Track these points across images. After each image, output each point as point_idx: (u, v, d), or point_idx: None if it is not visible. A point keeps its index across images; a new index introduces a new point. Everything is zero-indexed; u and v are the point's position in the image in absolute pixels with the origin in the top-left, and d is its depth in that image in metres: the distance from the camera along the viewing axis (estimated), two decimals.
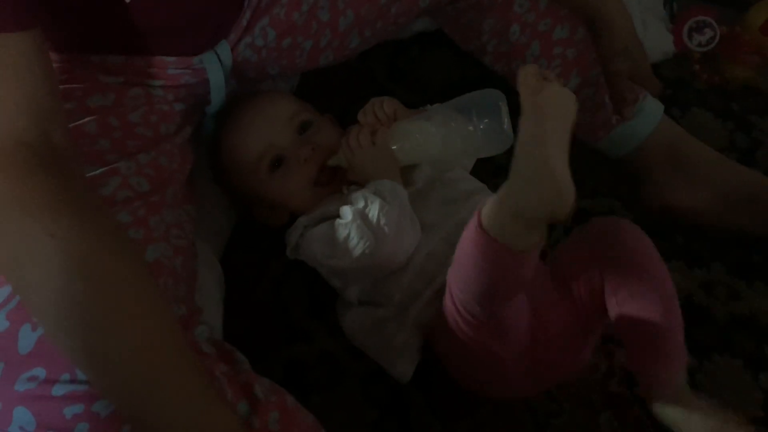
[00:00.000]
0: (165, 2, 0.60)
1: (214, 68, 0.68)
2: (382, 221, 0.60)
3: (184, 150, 0.66)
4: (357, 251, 0.60)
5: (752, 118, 0.95)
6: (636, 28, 0.92)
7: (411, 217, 0.63)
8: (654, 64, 0.97)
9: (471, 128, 0.64)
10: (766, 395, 0.70)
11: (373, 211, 0.60)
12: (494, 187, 0.66)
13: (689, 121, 0.94)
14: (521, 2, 0.79)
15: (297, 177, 0.69)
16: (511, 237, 0.47)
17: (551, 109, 0.47)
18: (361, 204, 0.62)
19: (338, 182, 0.69)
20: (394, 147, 0.66)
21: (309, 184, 0.69)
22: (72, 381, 0.44)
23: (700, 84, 0.98)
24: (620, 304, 0.56)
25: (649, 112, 0.79)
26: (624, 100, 0.76)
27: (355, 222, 0.60)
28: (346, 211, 0.62)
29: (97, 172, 0.54)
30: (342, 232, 0.61)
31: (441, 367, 0.66)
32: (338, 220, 0.62)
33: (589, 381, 0.68)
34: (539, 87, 0.47)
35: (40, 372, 0.44)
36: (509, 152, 0.50)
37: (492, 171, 0.77)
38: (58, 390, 0.44)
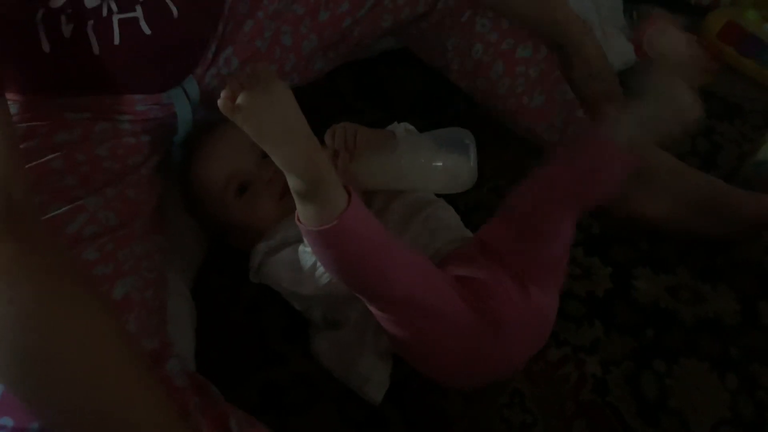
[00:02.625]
0: (132, 46, 0.60)
1: (181, 103, 0.69)
2: None
3: (151, 180, 0.66)
4: (322, 280, 0.61)
5: (712, 122, 0.97)
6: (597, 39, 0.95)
7: None
8: (619, 74, 1.01)
9: (439, 164, 0.66)
10: (733, 396, 0.72)
11: None
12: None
13: None
14: (483, 22, 0.80)
15: (263, 199, 0.69)
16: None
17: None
18: None
19: None
20: (358, 174, 0.67)
21: (275, 203, 0.69)
22: (41, 430, 0.44)
23: None
24: None
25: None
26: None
27: None
28: None
29: (64, 209, 0.54)
30: (307, 260, 0.62)
31: (416, 384, 0.67)
32: (302, 248, 0.63)
33: (562, 390, 0.70)
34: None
35: (7, 421, 0.44)
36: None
37: None
38: None
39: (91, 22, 0.57)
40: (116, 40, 0.58)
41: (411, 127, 0.76)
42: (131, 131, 0.65)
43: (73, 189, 0.56)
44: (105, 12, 0.57)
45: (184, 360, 0.58)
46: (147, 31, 0.59)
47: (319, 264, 0.61)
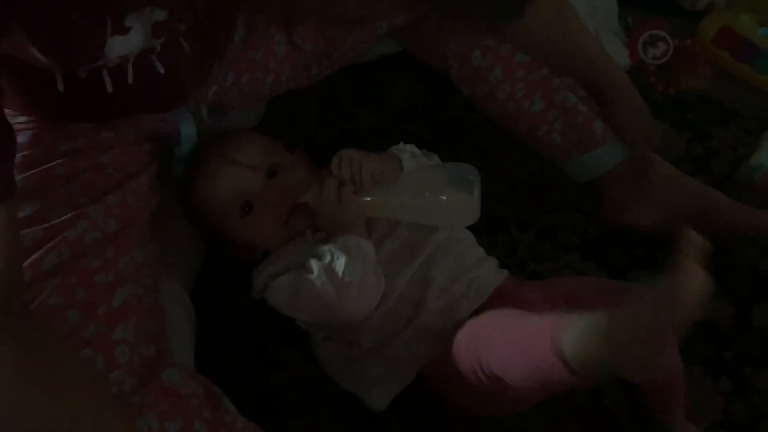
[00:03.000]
0: (145, 84, 0.60)
1: (185, 119, 0.69)
2: (347, 278, 0.61)
3: (151, 188, 0.67)
4: (319, 308, 0.62)
5: (707, 127, 0.98)
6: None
7: (375, 270, 0.64)
8: None
9: (443, 199, 0.66)
10: (726, 399, 0.72)
11: (339, 268, 0.61)
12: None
13: None
14: None
15: (267, 220, 0.69)
16: (588, 369, 0.46)
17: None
18: (327, 259, 0.63)
19: (309, 218, 0.70)
20: (364, 202, 0.67)
21: (279, 225, 0.69)
22: None
23: (657, 96, 1.01)
24: None
25: (613, 150, 0.80)
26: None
27: (320, 278, 0.61)
28: (312, 266, 0.63)
29: (66, 217, 0.55)
30: (307, 287, 0.62)
31: (413, 387, 0.68)
32: (305, 275, 0.63)
33: (556, 395, 0.70)
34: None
35: None
36: None
37: None
38: None
39: (106, 69, 0.57)
40: (130, 80, 0.58)
41: (417, 150, 0.75)
42: (134, 140, 0.66)
43: (76, 196, 0.57)
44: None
45: (182, 367, 0.59)
46: (161, 70, 0.59)
47: (317, 292, 0.61)
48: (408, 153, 0.73)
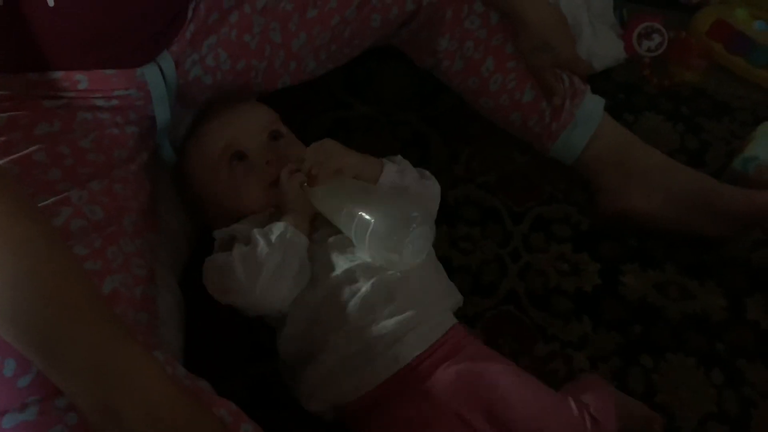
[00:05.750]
0: (93, 6, 0.59)
1: (155, 81, 0.67)
2: (260, 264, 0.60)
3: (139, 177, 0.65)
4: (231, 291, 0.61)
5: (701, 120, 0.98)
6: (585, 35, 0.96)
7: (301, 260, 0.62)
8: (605, 70, 1.01)
9: (367, 234, 0.59)
10: (719, 391, 0.72)
11: (256, 252, 0.60)
12: None
13: (641, 125, 0.97)
14: (472, 19, 0.80)
15: (256, 176, 0.68)
16: None
17: None
18: (251, 242, 0.61)
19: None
20: (310, 192, 0.65)
21: (263, 187, 0.68)
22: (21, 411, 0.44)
23: (651, 88, 1.01)
24: None
25: (587, 118, 0.81)
26: (552, 92, 0.80)
27: (235, 259, 0.60)
28: (236, 247, 0.62)
29: (48, 201, 0.53)
30: (223, 266, 0.61)
31: None
32: (228, 256, 0.62)
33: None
34: None
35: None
36: None
37: None
38: (7, 422, 0.44)
39: None
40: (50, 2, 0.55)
41: (405, 164, 0.71)
42: (113, 122, 0.64)
43: (58, 182, 0.56)
44: None
45: (174, 355, 0.58)
46: None
47: (232, 274, 0.60)
48: (395, 166, 0.69)
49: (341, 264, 0.63)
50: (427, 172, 0.72)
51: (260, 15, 0.73)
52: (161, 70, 0.67)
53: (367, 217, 0.59)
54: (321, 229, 0.66)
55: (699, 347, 0.75)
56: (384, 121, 0.94)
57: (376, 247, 0.59)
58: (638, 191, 0.81)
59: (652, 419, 0.67)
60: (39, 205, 0.52)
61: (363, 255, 0.62)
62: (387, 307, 0.60)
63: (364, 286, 0.61)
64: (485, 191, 0.88)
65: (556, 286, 0.79)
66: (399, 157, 0.72)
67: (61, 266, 0.46)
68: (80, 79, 0.62)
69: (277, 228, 0.62)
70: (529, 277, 0.80)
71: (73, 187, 0.56)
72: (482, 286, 0.79)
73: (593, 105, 0.83)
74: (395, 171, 0.69)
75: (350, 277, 0.62)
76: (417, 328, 0.61)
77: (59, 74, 0.61)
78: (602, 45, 0.99)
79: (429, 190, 0.71)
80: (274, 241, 0.61)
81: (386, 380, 0.60)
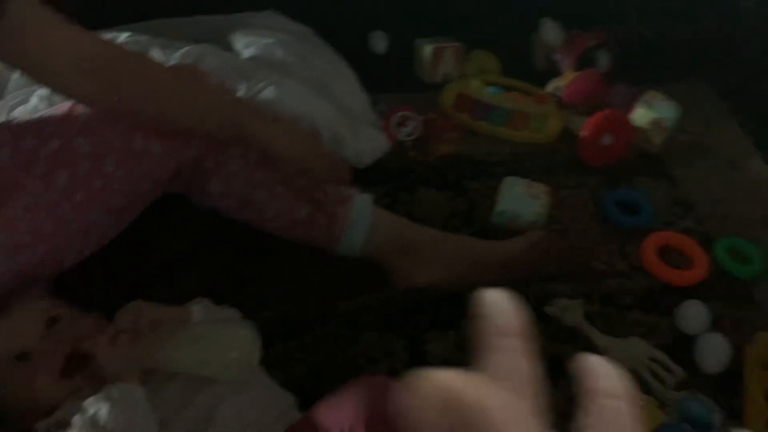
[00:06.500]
0: None
1: None
2: (109, 427, 0.62)
3: None
4: None
5: (465, 182, 1.12)
6: (348, 140, 1.07)
7: (145, 416, 0.66)
8: (378, 160, 1.14)
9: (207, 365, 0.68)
10: None
11: (101, 418, 0.63)
12: None
13: (418, 200, 1.09)
14: (233, 161, 0.87)
15: (43, 369, 0.69)
16: None
17: None
18: (90, 411, 0.64)
19: (90, 371, 0.69)
20: (140, 350, 0.68)
21: (56, 375, 0.69)
22: None
23: (418, 166, 1.15)
24: None
25: (360, 217, 0.91)
26: (320, 206, 0.89)
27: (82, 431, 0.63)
28: (76, 421, 0.64)
29: None
30: None
31: None
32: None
33: None
34: None
35: None
36: None
37: None
38: None
39: None
40: None
41: (211, 305, 0.77)
42: None
43: None
44: None
45: None
46: None
47: None
48: (200, 306, 0.75)
49: (188, 399, 0.67)
50: (225, 307, 0.79)
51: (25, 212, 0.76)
52: None
53: (196, 352, 0.66)
54: (154, 378, 0.69)
55: None
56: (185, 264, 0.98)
57: (216, 373, 0.66)
58: (419, 267, 0.92)
59: None
60: None
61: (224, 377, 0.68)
62: None
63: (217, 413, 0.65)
64: (290, 302, 0.95)
65: (372, 374, 0.87)
66: (198, 298, 0.78)
67: None
68: None
69: (116, 389, 0.64)
70: (343, 375, 0.86)
71: None
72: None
73: (362, 204, 0.93)
74: (200, 310, 0.75)
75: (203, 412, 0.66)
76: None
77: None
78: (366, 142, 1.12)
79: (234, 314, 0.78)
80: (117, 403, 0.63)
81: None
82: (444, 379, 0.26)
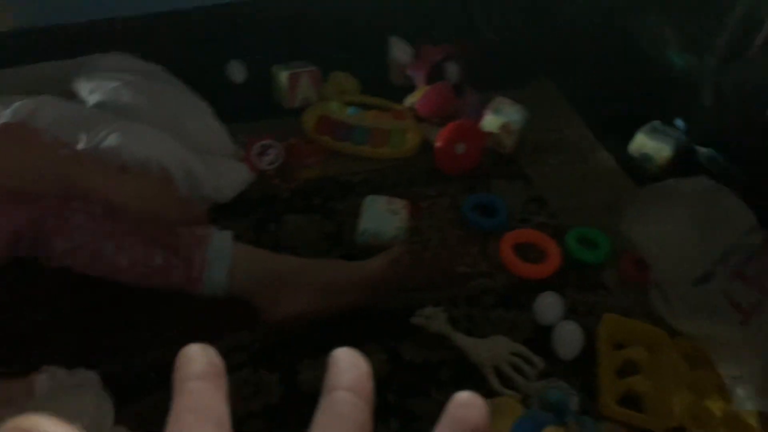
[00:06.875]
0: None
1: None
2: None
3: None
4: None
5: (332, 204, 1.14)
6: (204, 178, 1.06)
7: None
8: (242, 193, 1.13)
9: None
10: None
11: None
12: None
13: (285, 228, 1.10)
14: (76, 217, 0.85)
15: None
16: None
17: None
18: None
19: None
20: None
21: None
22: None
23: (283, 193, 1.15)
24: None
25: (219, 256, 0.91)
26: (175, 247, 0.89)
27: None
28: None
29: None
30: None
31: None
32: None
33: None
34: None
35: None
36: None
37: None
38: None
39: None
40: None
41: (58, 374, 0.73)
42: None
43: None
44: None
45: None
46: None
47: None
48: (46, 376, 0.72)
49: None
50: (82, 369, 0.76)
51: None
52: None
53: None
54: None
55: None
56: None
57: None
58: (285, 298, 0.92)
59: None
60: None
61: None
62: None
63: None
64: (154, 351, 0.93)
65: (249, 412, 0.86)
66: (51, 368, 0.74)
67: None
68: None
69: None
70: None
71: None
72: None
73: (221, 243, 0.92)
74: (48, 378, 0.71)
75: None
76: None
77: None
78: (227, 176, 1.11)
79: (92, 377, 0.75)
80: None
81: None
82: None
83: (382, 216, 1.04)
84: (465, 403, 0.27)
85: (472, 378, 0.91)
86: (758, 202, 1.00)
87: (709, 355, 0.90)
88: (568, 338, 0.94)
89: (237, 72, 1.34)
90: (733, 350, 0.88)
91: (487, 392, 0.88)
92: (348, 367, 0.28)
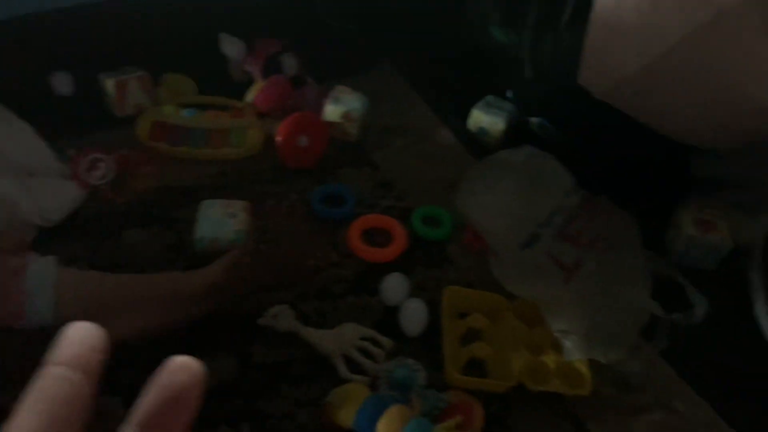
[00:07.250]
0: None
1: None
2: None
3: None
4: None
5: (175, 214, 1.10)
6: (24, 203, 1.00)
7: None
8: (73, 212, 1.07)
9: None
10: None
11: None
12: None
13: (124, 244, 1.05)
14: None
15: None
16: None
17: None
18: None
19: None
20: None
21: None
22: None
23: (120, 208, 1.10)
24: None
25: (39, 283, 0.85)
26: None
27: None
28: None
29: None
30: None
31: None
32: None
33: None
34: None
35: None
36: None
37: None
38: None
39: None
40: None
41: None
42: None
43: None
44: None
45: None
46: None
47: None
48: None
49: None
50: None
51: None
52: None
53: None
54: None
55: (227, 415, 0.87)
56: None
57: None
58: (121, 318, 0.88)
59: None
60: None
61: None
62: None
63: None
64: None
65: None
66: None
67: None
68: None
69: None
70: None
71: None
72: None
73: (40, 271, 0.87)
74: None
75: None
76: None
77: None
78: (52, 197, 1.05)
79: None
80: None
81: None
82: None
83: (219, 221, 1.02)
84: (173, 369, 0.28)
85: (324, 370, 0.92)
86: (575, 164, 1.07)
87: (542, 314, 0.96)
88: (413, 316, 0.97)
89: (63, 84, 1.26)
90: (560, 306, 0.94)
91: (338, 381, 0.89)
92: (68, 342, 0.27)
